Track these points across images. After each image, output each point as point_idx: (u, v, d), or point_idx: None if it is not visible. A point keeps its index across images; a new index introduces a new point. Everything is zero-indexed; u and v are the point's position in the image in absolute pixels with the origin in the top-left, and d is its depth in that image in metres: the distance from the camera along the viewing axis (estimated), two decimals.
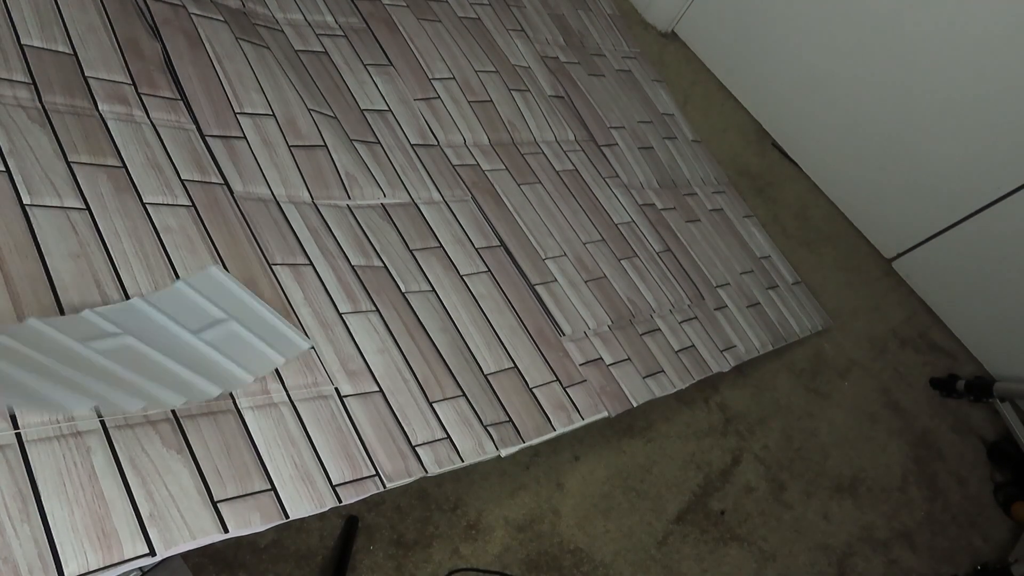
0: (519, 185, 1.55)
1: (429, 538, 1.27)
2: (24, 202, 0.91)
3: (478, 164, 1.52)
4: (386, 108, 1.47)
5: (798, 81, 2.18)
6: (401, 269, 1.24)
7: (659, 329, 1.55)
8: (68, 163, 0.99)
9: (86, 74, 1.09)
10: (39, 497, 0.73)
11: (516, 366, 1.27)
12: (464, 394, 1.17)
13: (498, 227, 1.44)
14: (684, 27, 2.36)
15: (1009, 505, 1.92)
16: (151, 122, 1.12)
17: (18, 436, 0.76)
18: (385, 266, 1.23)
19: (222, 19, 1.33)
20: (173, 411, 0.87)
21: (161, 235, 1.01)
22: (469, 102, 1.60)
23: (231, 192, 1.13)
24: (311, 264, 1.14)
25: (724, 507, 1.58)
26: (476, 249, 1.38)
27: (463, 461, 1.09)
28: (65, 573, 0.71)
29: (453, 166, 1.48)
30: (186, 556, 1.07)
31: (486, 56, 1.71)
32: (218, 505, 0.83)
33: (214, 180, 1.13)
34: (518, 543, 1.34)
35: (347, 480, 0.95)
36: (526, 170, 1.59)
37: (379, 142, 1.41)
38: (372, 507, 1.25)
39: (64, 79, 1.06)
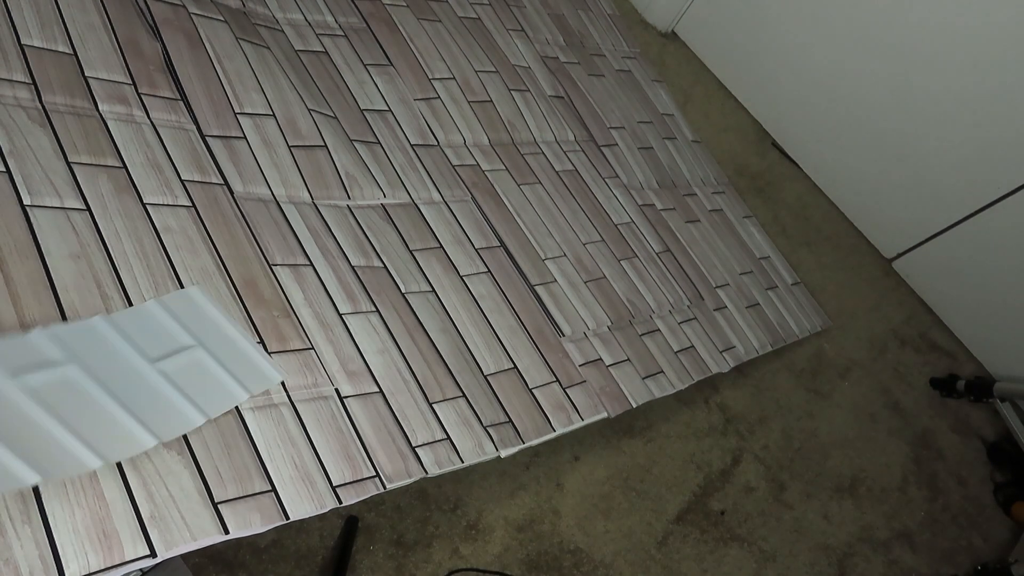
0: (519, 185, 1.55)
1: (429, 538, 1.27)
2: (24, 202, 0.91)
3: (478, 164, 1.52)
4: (386, 108, 1.47)
5: (798, 81, 2.18)
6: (401, 269, 1.24)
7: (658, 330, 1.55)
8: (68, 163, 0.99)
9: (86, 74, 1.09)
10: (40, 498, 0.73)
11: (516, 367, 1.27)
12: (464, 395, 1.17)
13: (498, 227, 1.44)
14: (684, 27, 2.36)
15: (1009, 505, 1.92)
16: (151, 122, 1.12)
17: None
18: (385, 266, 1.23)
19: (222, 19, 1.33)
20: None
21: (161, 235, 1.01)
22: (469, 102, 1.60)
23: (231, 192, 1.13)
24: (311, 264, 1.14)
25: (724, 507, 1.58)
26: (476, 249, 1.38)
27: (463, 462, 1.09)
28: (66, 574, 0.71)
29: (453, 166, 1.48)
30: (186, 557, 1.07)
31: (486, 56, 1.71)
32: (218, 506, 0.83)
33: (214, 180, 1.13)
34: (518, 543, 1.34)
35: (347, 481, 0.95)
36: (526, 170, 1.59)
37: (379, 142, 1.41)
38: (372, 507, 1.25)
39: (64, 79, 1.06)
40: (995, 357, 2.16)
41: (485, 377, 1.22)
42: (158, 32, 1.22)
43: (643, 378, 1.43)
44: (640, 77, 2.10)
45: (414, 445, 1.05)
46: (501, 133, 1.61)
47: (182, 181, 1.09)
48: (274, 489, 0.88)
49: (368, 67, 1.50)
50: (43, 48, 1.07)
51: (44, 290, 0.86)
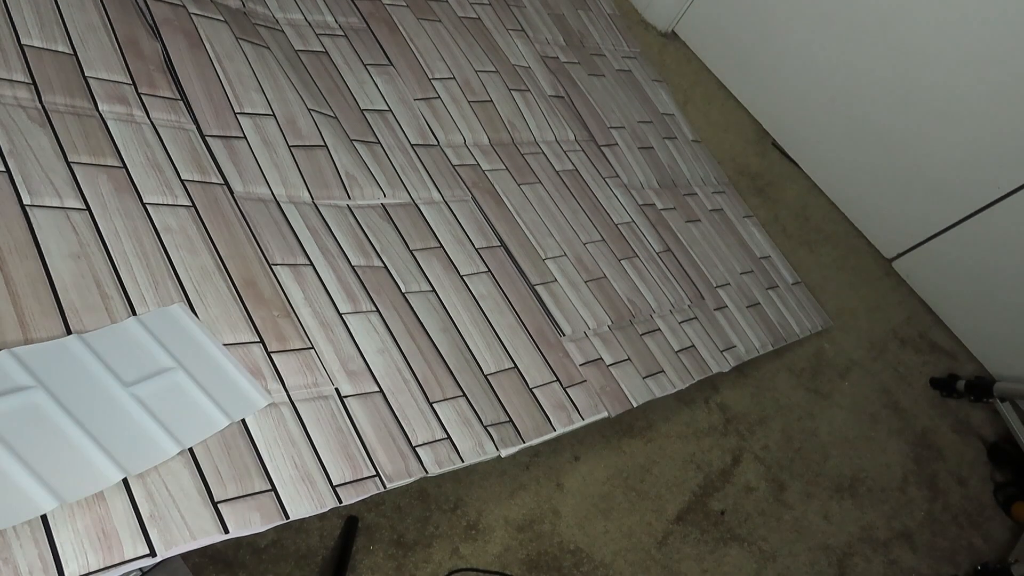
0: (519, 185, 1.55)
1: (429, 538, 1.27)
2: (24, 202, 0.91)
3: (478, 164, 1.52)
4: (386, 108, 1.47)
5: (798, 81, 2.18)
6: (401, 269, 1.24)
7: (659, 329, 1.55)
8: (68, 163, 0.99)
9: (86, 74, 1.09)
10: None
11: (516, 366, 1.27)
12: (464, 394, 1.17)
13: (498, 227, 1.44)
14: (684, 27, 2.36)
15: (1009, 505, 1.92)
16: (151, 122, 1.12)
17: None
18: (385, 266, 1.23)
19: (222, 19, 1.33)
20: None
21: (161, 235, 1.01)
22: (469, 102, 1.60)
23: (231, 192, 1.13)
24: (311, 264, 1.14)
25: (724, 507, 1.58)
26: (476, 249, 1.37)
27: (463, 461, 1.09)
28: (65, 574, 0.71)
29: (453, 166, 1.47)
30: (186, 556, 1.07)
31: (486, 56, 1.71)
32: (218, 505, 0.83)
33: (214, 180, 1.13)
34: (518, 543, 1.34)
35: (347, 480, 0.95)
36: (526, 170, 1.59)
37: (379, 142, 1.41)
38: (372, 507, 1.25)
39: (64, 79, 1.06)
40: (995, 357, 2.16)
41: (485, 377, 1.22)
42: (158, 32, 1.22)
43: (644, 378, 1.43)
44: (640, 77, 2.10)
45: (414, 444, 1.05)
46: (501, 133, 1.61)
47: (182, 181, 1.09)
48: (274, 488, 0.88)
49: (368, 67, 1.50)
50: (43, 48, 1.07)
51: (44, 289, 0.86)
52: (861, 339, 2.05)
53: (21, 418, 0.76)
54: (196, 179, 1.11)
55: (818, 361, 1.94)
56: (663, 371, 1.48)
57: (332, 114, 1.37)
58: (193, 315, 0.94)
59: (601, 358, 1.40)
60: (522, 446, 1.18)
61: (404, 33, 1.60)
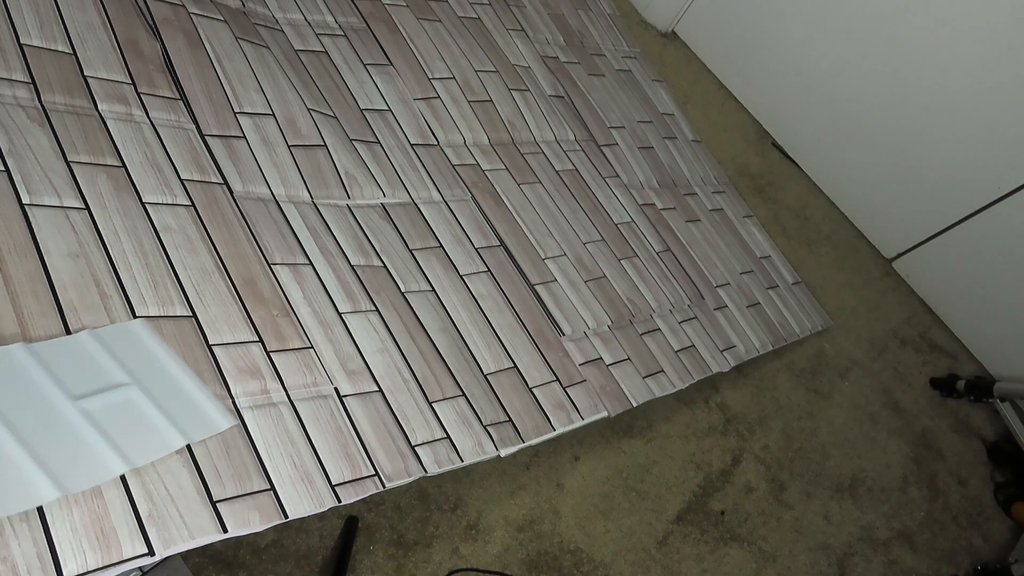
0: (519, 185, 1.55)
1: (429, 538, 1.27)
2: (23, 202, 0.91)
3: (478, 164, 1.52)
4: (386, 108, 1.47)
5: (798, 81, 2.18)
6: (401, 269, 1.24)
7: (659, 329, 1.55)
8: (67, 163, 0.99)
9: (86, 74, 1.09)
10: None
11: (516, 366, 1.27)
12: (464, 394, 1.16)
13: (498, 227, 1.44)
14: (684, 27, 2.36)
15: (1009, 505, 1.92)
16: (151, 122, 1.12)
17: None
18: (385, 266, 1.23)
19: (222, 19, 1.33)
20: None
21: (160, 235, 1.01)
22: (469, 102, 1.59)
23: (231, 192, 1.13)
24: (311, 264, 1.14)
25: (724, 507, 1.57)
26: (476, 249, 1.37)
27: (463, 461, 1.09)
28: (64, 573, 0.70)
29: (453, 166, 1.47)
30: (186, 556, 1.06)
31: (486, 56, 1.71)
32: (217, 505, 0.83)
33: (214, 180, 1.13)
34: (518, 543, 1.33)
35: (346, 480, 0.95)
36: (526, 170, 1.59)
37: (379, 142, 1.41)
38: (372, 507, 1.25)
39: (64, 79, 1.06)
40: (995, 357, 2.16)
41: (485, 376, 1.22)
42: (158, 32, 1.22)
43: (643, 377, 1.43)
44: (640, 77, 2.10)
45: (414, 444, 1.05)
46: (501, 133, 1.61)
47: (181, 180, 1.09)
48: (273, 488, 0.88)
49: (368, 67, 1.50)
50: (42, 48, 1.07)
51: (43, 289, 0.86)
52: (861, 339, 2.05)
53: None
54: (195, 179, 1.11)
55: (818, 361, 1.93)
56: (663, 371, 1.48)
57: (332, 114, 1.37)
58: (154, 332, 0.90)
59: (601, 358, 1.40)
60: (522, 446, 1.18)
61: (404, 33, 1.60)
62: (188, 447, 0.85)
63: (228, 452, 0.87)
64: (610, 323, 1.46)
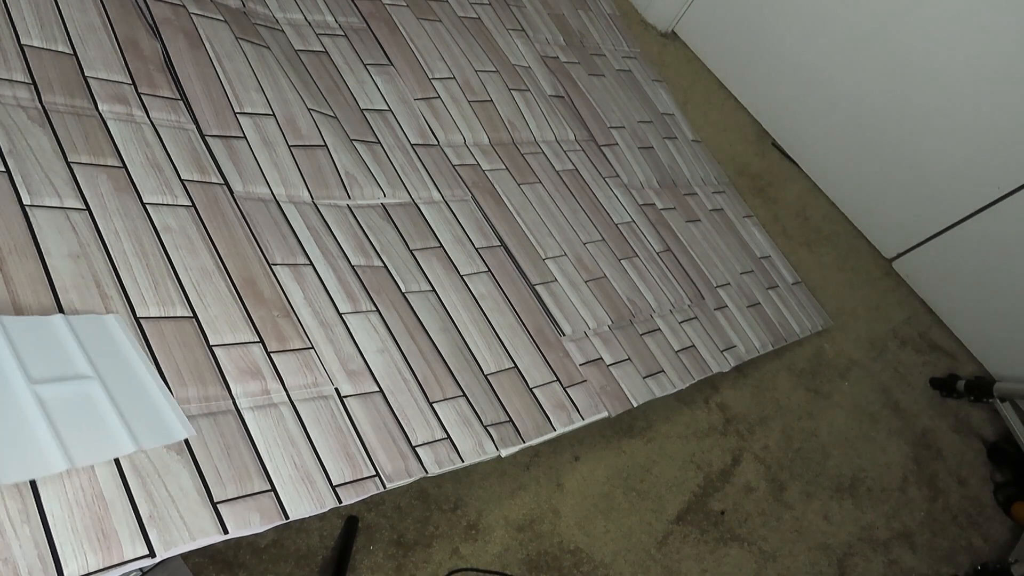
0: (519, 185, 1.55)
1: (429, 538, 1.27)
2: (24, 202, 0.91)
3: (478, 164, 1.52)
4: (386, 108, 1.47)
5: (798, 81, 2.18)
6: (401, 269, 1.24)
7: (659, 329, 1.55)
8: (68, 163, 0.99)
9: (86, 74, 1.09)
10: (39, 498, 0.73)
11: (516, 366, 1.27)
12: (464, 394, 1.16)
13: (498, 227, 1.44)
14: (684, 27, 2.36)
15: (1009, 505, 1.92)
16: (151, 122, 1.12)
17: None
18: (385, 266, 1.23)
19: (222, 19, 1.33)
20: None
21: (161, 235, 1.01)
22: (469, 102, 1.59)
23: (231, 192, 1.13)
24: (311, 264, 1.14)
25: (724, 507, 1.57)
26: (476, 249, 1.37)
27: (463, 461, 1.09)
28: (65, 574, 0.71)
29: (453, 166, 1.47)
30: (186, 556, 1.06)
31: (486, 56, 1.71)
32: (218, 506, 0.83)
33: (214, 180, 1.13)
34: (518, 543, 1.33)
35: (347, 480, 0.95)
36: (526, 170, 1.59)
37: (379, 142, 1.41)
38: (372, 507, 1.25)
39: (64, 79, 1.06)
40: (995, 357, 2.16)
41: (485, 376, 1.22)
42: (158, 32, 1.22)
43: (644, 377, 1.43)
44: (640, 77, 2.10)
45: (414, 444, 1.05)
46: (501, 133, 1.61)
47: (182, 181, 1.09)
48: (274, 489, 0.88)
49: (368, 67, 1.50)
50: (43, 48, 1.07)
51: (43, 289, 0.86)
52: (861, 339, 2.05)
53: None
54: (196, 179, 1.11)
55: (818, 361, 1.94)
56: (663, 371, 1.48)
57: (332, 114, 1.37)
58: (127, 331, 0.86)
59: (601, 358, 1.40)
60: (522, 446, 1.18)
61: (404, 33, 1.60)
62: (189, 448, 0.85)
63: (229, 453, 0.87)
64: (610, 323, 1.46)
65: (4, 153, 0.93)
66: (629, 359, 1.44)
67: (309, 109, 1.33)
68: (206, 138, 1.17)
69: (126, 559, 0.74)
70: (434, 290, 1.26)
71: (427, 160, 1.44)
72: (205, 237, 1.05)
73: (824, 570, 1.62)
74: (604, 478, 1.47)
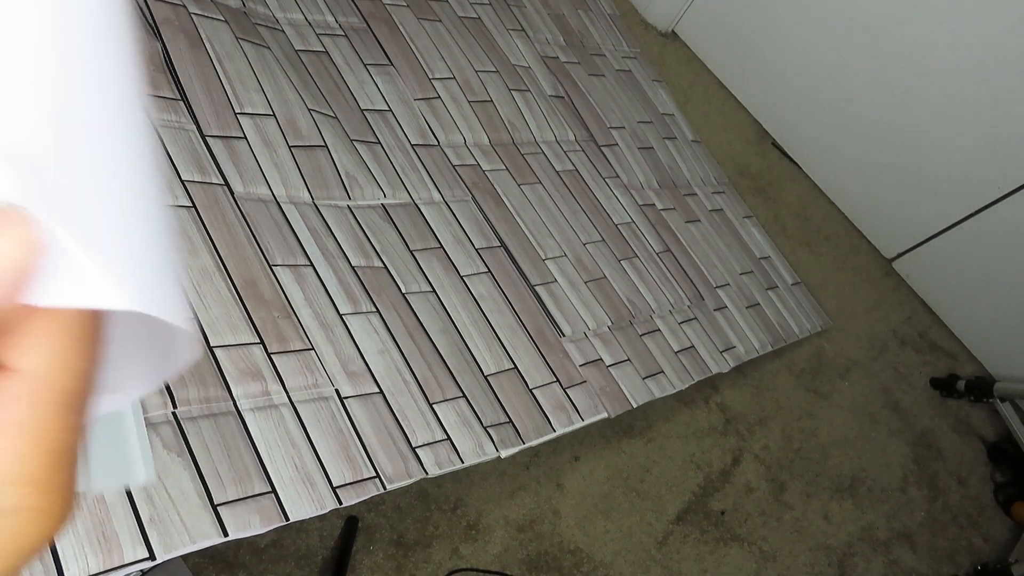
0: (519, 185, 1.55)
1: (429, 538, 1.27)
2: None
3: (478, 164, 1.52)
4: (386, 108, 1.47)
5: (798, 81, 2.18)
6: (401, 270, 1.24)
7: (659, 330, 1.55)
8: None
9: None
10: None
11: (516, 367, 1.27)
12: (464, 395, 1.17)
13: (498, 227, 1.44)
14: (684, 27, 2.36)
15: (1009, 505, 1.93)
16: (152, 122, 1.12)
17: None
18: (385, 267, 1.23)
19: (222, 19, 1.33)
20: (173, 413, 0.87)
21: None
22: (469, 102, 1.59)
23: (231, 192, 1.13)
24: (311, 265, 1.14)
25: (724, 507, 1.58)
26: (476, 249, 1.37)
27: (463, 462, 1.09)
28: None
29: (453, 166, 1.47)
30: (186, 556, 1.06)
31: (486, 56, 1.71)
32: (218, 508, 0.83)
33: (214, 180, 1.13)
34: (518, 543, 1.34)
35: (348, 482, 0.95)
36: (526, 170, 1.59)
37: (379, 142, 1.41)
38: (372, 507, 1.25)
39: None
40: (995, 357, 2.16)
41: (485, 377, 1.22)
42: (158, 32, 1.22)
43: (643, 378, 1.43)
44: (640, 77, 2.10)
45: (414, 446, 1.05)
46: (501, 133, 1.61)
47: (182, 181, 1.09)
48: (274, 490, 0.88)
49: (368, 67, 1.50)
50: None
51: None
52: (861, 339, 2.06)
53: None
54: (196, 179, 1.11)
55: (818, 361, 1.94)
56: (663, 372, 1.48)
57: (332, 114, 1.37)
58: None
59: (601, 359, 1.40)
60: (522, 447, 1.18)
61: (404, 33, 1.60)
62: (189, 450, 0.85)
63: (229, 455, 0.87)
64: (610, 324, 1.46)
65: None
66: (629, 360, 1.44)
67: (309, 109, 1.33)
68: (206, 138, 1.17)
69: (127, 562, 0.74)
70: (434, 291, 1.26)
71: (427, 160, 1.44)
72: (205, 238, 1.05)
73: (824, 570, 1.62)
74: (604, 478, 1.47)
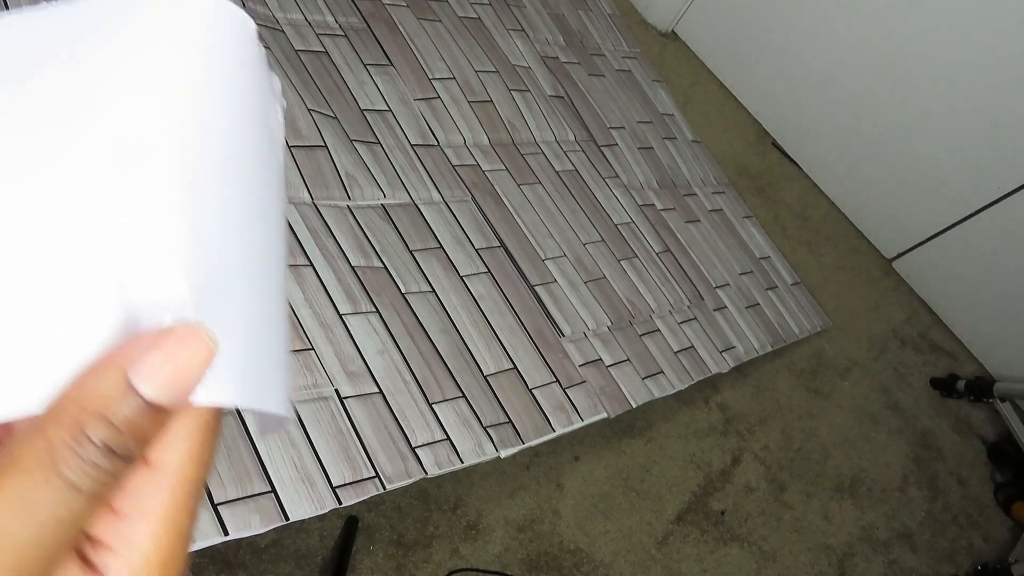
0: (519, 185, 1.55)
1: (429, 538, 1.27)
2: None
3: (478, 164, 1.52)
4: (386, 108, 1.47)
5: (798, 81, 2.18)
6: (401, 270, 1.25)
7: (658, 330, 1.55)
8: None
9: None
10: None
11: (516, 367, 1.27)
12: (464, 395, 1.17)
13: (498, 228, 1.44)
14: (684, 27, 2.36)
15: (1009, 505, 1.93)
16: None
17: None
18: (385, 267, 1.23)
19: None
20: None
21: None
22: (469, 102, 1.60)
23: None
24: (311, 265, 1.14)
25: (724, 507, 1.58)
26: (476, 250, 1.38)
27: (463, 462, 1.09)
28: None
29: (453, 166, 1.48)
30: None
31: (486, 56, 1.71)
32: (218, 508, 0.83)
33: None
34: (518, 543, 1.34)
35: (347, 482, 0.95)
36: (526, 170, 1.59)
37: (379, 142, 1.41)
38: (372, 507, 1.25)
39: None
40: (995, 357, 2.16)
41: (485, 377, 1.22)
42: None
43: (643, 378, 1.43)
44: (640, 77, 2.10)
45: (414, 446, 1.05)
46: (501, 133, 1.61)
47: None
48: (274, 490, 0.88)
49: (368, 67, 1.50)
50: None
51: None
52: (861, 339, 2.06)
53: None
54: None
55: (818, 361, 1.94)
56: (662, 372, 1.48)
57: (332, 114, 1.37)
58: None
59: (600, 359, 1.40)
60: (522, 447, 1.18)
61: (404, 33, 1.60)
62: None
63: (229, 454, 0.88)
64: (610, 324, 1.46)
65: None
66: (628, 360, 1.44)
67: (309, 110, 1.33)
68: None
69: None
70: (434, 291, 1.26)
71: (427, 161, 1.45)
72: None
73: (824, 570, 1.62)
74: (604, 478, 1.47)
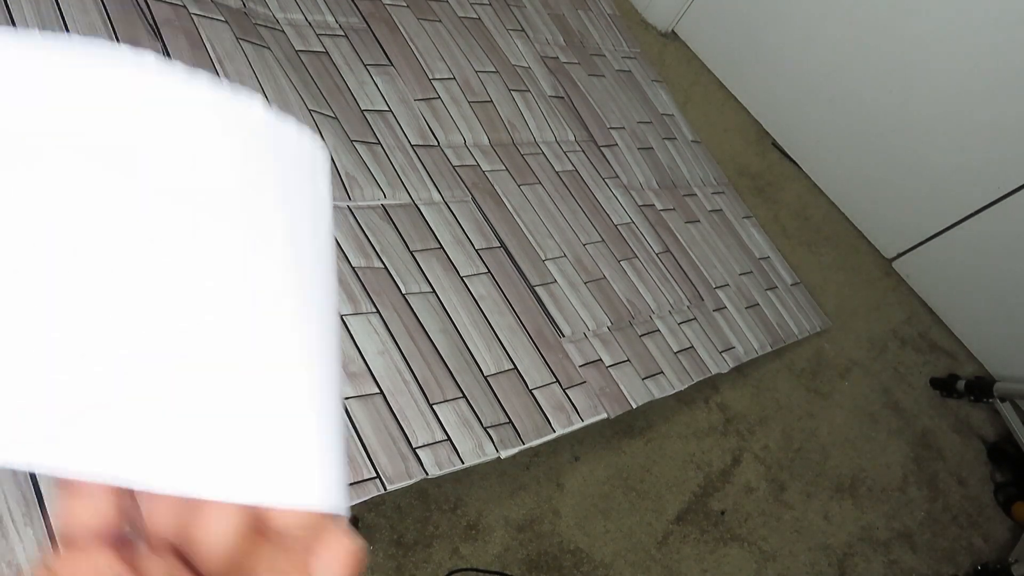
0: (519, 186, 1.55)
1: (429, 538, 1.27)
2: None
3: (478, 164, 1.52)
4: (386, 108, 1.47)
5: (798, 81, 2.18)
6: (401, 270, 1.25)
7: (658, 330, 1.55)
8: None
9: None
10: (42, 500, 0.73)
11: (516, 367, 1.27)
12: (464, 395, 1.17)
13: (498, 228, 1.44)
14: (684, 27, 2.36)
15: (1009, 505, 1.93)
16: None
17: None
18: (385, 267, 1.23)
19: (223, 19, 1.33)
20: None
21: None
22: (469, 102, 1.60)
23: None
24: None
25: (724, 507, 1.58)
26: (476, 250, 1.38)
27: (463, 463, 1.09)
28: None
29: (453, 166, 1.48)
30: None
31: (486, 56, 1.71)
32: None
33: None
34: (518, 543, 1.34)
35: (348, 482, 0.95)
36: (526, 170, 1.59)
37: (379, 142, 1.41)
38: (372, 507, 1.25)
39: None
40: (995, 357, 2.17)
41: (485, 378, 1.22)
42: (159, 33, 1.22)
43: (643, 379, 1.44)
44: (640, 77, 2.10)
45: (414, 446, 1.05)
46: (501, 133, 1.61)
47: None
48: None
49: (368, 67, 1.50)
50: None
51: None
52: (861, 339, 2.06)
53: None
54: None
55: (818, 361, 1.94)
56: (662, 372, 1.48)
57: (332, 114, 1.37)
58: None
59: (600, 359, 1.40)
60: (522, 447, 1.18)
61: (404, 33, 1.60)
62: None
63: None
64: (609, 324, 1.46)
65: None
66: (628, 360, 1.44)
67: (310, 110, 1.33)
68: None
69: None
70: (434, 291, 1.26)
71: (427, 161, 1.45)
72: None
73: (824, 570, 1.62)
74: (604, 478, 1.48)
